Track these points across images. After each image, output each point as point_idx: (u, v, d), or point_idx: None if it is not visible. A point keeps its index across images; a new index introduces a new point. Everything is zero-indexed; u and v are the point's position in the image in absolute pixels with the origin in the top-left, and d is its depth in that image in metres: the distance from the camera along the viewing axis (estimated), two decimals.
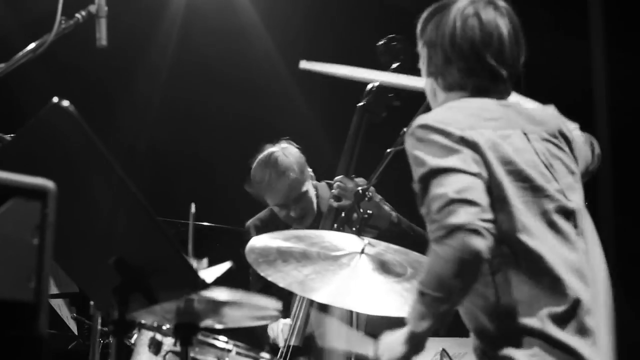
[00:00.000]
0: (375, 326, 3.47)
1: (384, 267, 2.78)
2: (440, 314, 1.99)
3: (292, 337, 3.45)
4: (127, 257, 1.85)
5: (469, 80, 2.19)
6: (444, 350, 3.46)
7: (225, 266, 1.86)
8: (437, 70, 2.24)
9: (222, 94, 5.65)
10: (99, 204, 1.86)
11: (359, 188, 3.29)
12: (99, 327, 3.19)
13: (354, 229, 3.30)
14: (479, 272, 1.98)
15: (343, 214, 3.40)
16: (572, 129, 2.40)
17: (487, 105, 2.17)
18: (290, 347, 3.45)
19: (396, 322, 3.16)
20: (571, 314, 2.03)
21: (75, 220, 1.83)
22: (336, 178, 3.48)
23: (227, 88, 5.63)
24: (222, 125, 5.67)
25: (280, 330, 3.57)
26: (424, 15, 2.29)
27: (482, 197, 1.98)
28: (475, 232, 1.92)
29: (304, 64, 3.11)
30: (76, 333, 4.17)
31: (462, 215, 1.93)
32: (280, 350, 3.47)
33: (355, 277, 2.73)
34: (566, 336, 2.01)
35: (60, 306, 4.12)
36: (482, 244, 1.93)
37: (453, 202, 1.95)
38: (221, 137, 5.67)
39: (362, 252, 2.80)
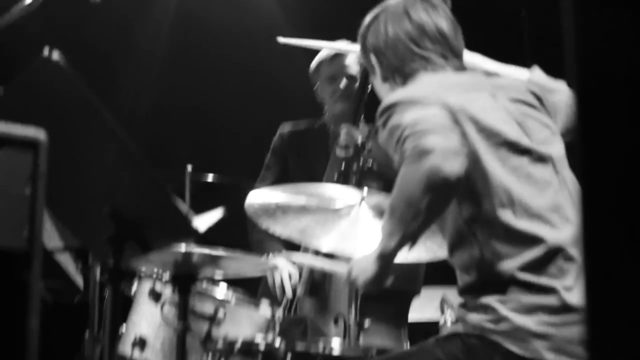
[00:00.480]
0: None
1: (384, 214, 2.80)
2: (410, 232, 2.04)
3: (297, 288, 3.46)
4: (122, 206, 1.87)
5: (427, 64, 2.29)
6: (444, 297, 3.48)
7: (217, 214, 1.88)
8: (393, 69, 2.33)
9: (224, 54, 5.62)
10: (92, 155, 1.87)
11: (359, 138, 3.28)
12: (98, 278, 3.22)
13: (354, 180, 3.30)
14: (449, 196, 2.02)
15: (343, 166, 3.39)
16: (562, 89, 2.37)
17: (447, 76, 2.26)
18: (296, 298, 3.46)
19: (407, 271, 3.18)
20: (548, 261, 2.07)
21: (69, 171, 1.85)
22: (342, 127, 3.44)
23: (228, 46, 5.60)
24: (225, 84, 5.66)
25: (286, 279, 3.53)
26: (361, 31, 2.41)
27: (457, 139, 2.01)
28: (446, 157, 1.95)
29: (282, 40, 3.34)
30: (82, 287, 4.20)
31: (437, 140, 1.97)
32: (285, 301, 3.47)
33: (356, 226, 2.76)
34: (543, 279, 2.05)
35: (66, 260, 4.15)
36: (452, 169, 1.95)
37: (430, 130, 1.99)
38: (224, 95, 5.66)
39: (362, 201, 2.82)
